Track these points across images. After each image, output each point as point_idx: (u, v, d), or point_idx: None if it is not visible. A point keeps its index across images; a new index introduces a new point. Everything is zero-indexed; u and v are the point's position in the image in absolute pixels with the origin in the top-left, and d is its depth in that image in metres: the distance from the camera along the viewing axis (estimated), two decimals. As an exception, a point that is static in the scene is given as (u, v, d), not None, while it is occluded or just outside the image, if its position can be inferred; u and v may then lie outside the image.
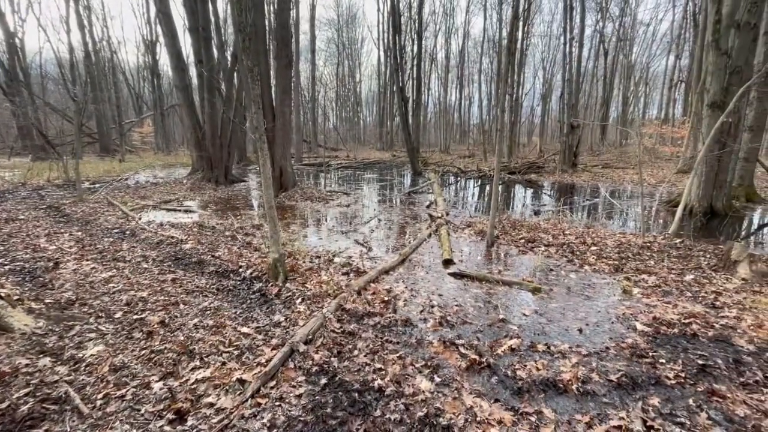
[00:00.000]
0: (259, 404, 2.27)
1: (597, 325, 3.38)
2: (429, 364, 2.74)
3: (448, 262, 5.00)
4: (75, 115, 13.30)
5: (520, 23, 20.42)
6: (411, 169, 17.13)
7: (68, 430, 2.06)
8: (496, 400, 2.36)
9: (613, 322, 3.43)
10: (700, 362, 2.74)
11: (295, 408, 2.25)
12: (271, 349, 2.84)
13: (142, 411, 2.21)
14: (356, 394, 2.38)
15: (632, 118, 29.80)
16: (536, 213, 8.80)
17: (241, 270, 4.60)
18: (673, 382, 2.53)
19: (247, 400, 2.28)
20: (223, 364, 2.67)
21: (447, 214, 7.86)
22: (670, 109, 28.69)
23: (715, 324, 3.30)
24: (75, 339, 2.96)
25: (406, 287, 4.21)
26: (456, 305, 3.77)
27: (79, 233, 6.31)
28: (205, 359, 2.72)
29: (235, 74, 12.75)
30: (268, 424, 2.11)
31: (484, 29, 29.89)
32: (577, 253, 5.39)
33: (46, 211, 8.08)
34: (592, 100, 33.42)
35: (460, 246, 5.89)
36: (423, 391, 2.41)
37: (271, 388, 2.42)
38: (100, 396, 2.33)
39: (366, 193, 11.96)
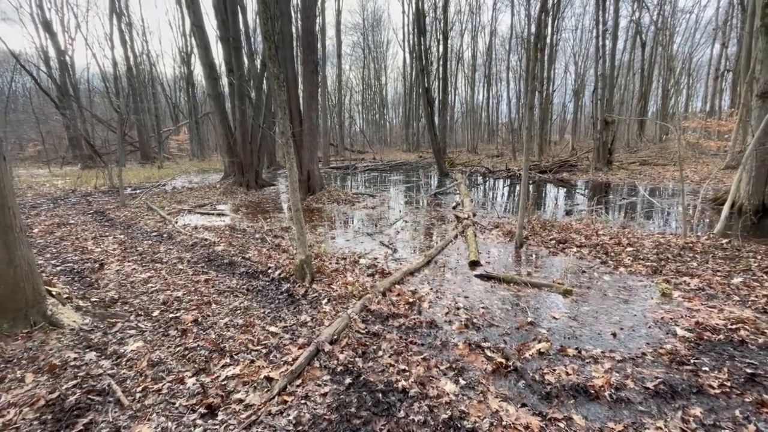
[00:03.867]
0: (286, 402, 2.32)
1: (632, 330, 3.22)
2: (454, 366, 2.70)
3: (474, 264, 4.92)
4: (118, 126, 14.16)
5: (549, 18, 19.84)
6: (437, 170, 17.00)
7: (110, 420, 2.19)
8: (523, 405, 2.30)
9: (650, 327, 3.26)
10: (749, 371, 2.55)
11: (320, 406, 2.29)
12: (298, 348, 2.90)
13: (177, 405, 2.31)
14: (380, 395, 2.39)
15: (673, 112, 28.17)
16: (568, 213, 8.50)
17: (269, 271, 4.73)
18: (717, 391, 2.37)
19: (274, 398, 2.34)
20: (252, 362, 2.75)
21: (474, 215, 7.75)
22: (715, 101, 26.91)
23: (766, 330, 3.06)
24: (117, 335, 3.15)
25: (431, 289, 4.18)
26: (482, 307, 3.70)
27: (122, 236, 6.71)
28: (235, 357, 2.81)
29: (264, 81, 13.15)
30: (294, 422, 2.16)
31: (512, 26, 29.34)
32: (612, 254, 5.16)
33: (92, 216, 8.64)
34: (628, 94, 31.90)
35: (488, 247, 5.78)
36: (447, 394, 2.39)
37: (297, 386, 2.47)
38: (139, 389, 2.46)
39: (392, 194, 11.99)
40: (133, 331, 3.22)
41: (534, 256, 5.37)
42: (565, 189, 12.50)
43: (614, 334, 3.15)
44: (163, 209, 9.17)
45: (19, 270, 2.99)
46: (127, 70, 25.12)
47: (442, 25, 19.43)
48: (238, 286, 4.30)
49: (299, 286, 4.16)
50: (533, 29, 21.28)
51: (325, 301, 3.78)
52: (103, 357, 2.81)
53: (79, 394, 2.37)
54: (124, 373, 2.63)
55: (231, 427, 2.13)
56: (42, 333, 3.04)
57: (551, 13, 19.93)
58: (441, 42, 20.60)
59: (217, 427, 2.13)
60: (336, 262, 5.04)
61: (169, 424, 2.14)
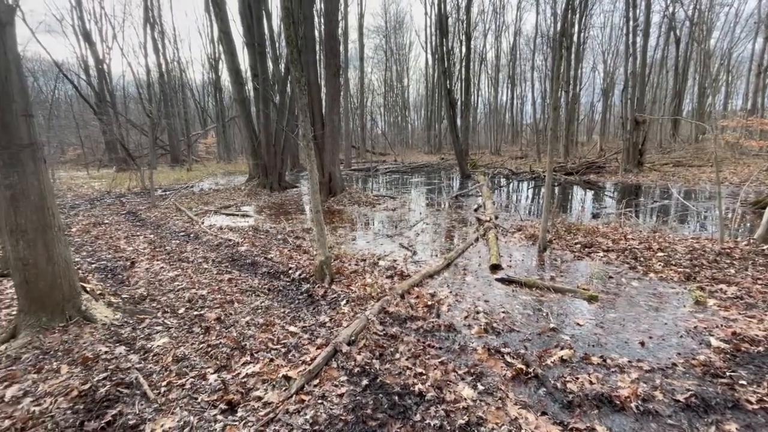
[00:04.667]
0: (303, 401, 2.35)
1: (662, 339, 3.08)
2: (472, 371, 2.66)
3: (495, 268, 4.83)
4: (150, 130, 14.79)
5: (577, 15, 19.30)
6: (459, 171, 16.83)
7: (137, 412, 2.28)
8: (543, 413, 2.24)
9: (681, 336, 3.10)
10: (792, 386, 2.38)
11: (337, 407, 2.30)
12: (316, 349, 2.93)
13: (199, 400, 2.38)
14: (396, 397, 2.38)
15: (710, 111, 26.78)
16: (595, 216, 8.22)
17: (290, 271, 4.81)
18: (755, 406, 2.23)
19: (291, 396, 2.38)
20: (271, 360, 2.80)
21: (496, 218, 7.61)
22: (757, 99, 25.38)
23: (812, 343, 2.86)
24: (145, 331, 3.28)
25: (450, 292, 4.13)
26: (503, 312, 3.63)
27: (152, 236, 6.99)
28: (255, 355, 2.87)
29: (288, 85, 13.41)
30: (310, 421, 2.18)
31: (537, 24, 28.60)
32: (641, 259, 4.95)
33: (125, 216, 9.05)
34: (661, 92, 30.58)
35: (510, 251, 5.67)
36: (465, 399, 2.35)
37: (315, 386, 2.50)
38: (164, 384, 2.55)
39: (413, 197, 11.95)
40: (159, 328, 3.34)
41: (558, 260, 5.23)
42: (592, 191, 12.10)
43: (642, 343, 3.01)
44: (190, 210, 9.50)
45: (57, 267, 3.17)
46: (159, 77, 26.21)
47: (464, 25, 19.26)
48: (260, 286, 4.39)
49: (319, 287, 4.21)
50: (559, 28, 20.78)
51: (344, 302, 3.81)
52: (131, 351, 2.93)
53: (109, 386, 2.48)
54: (150, 368, 2.73)
55: (250, 423, 2.17)
56: (76, 327, 3.20)
57: (578, 10, 19.39)
58: (464, 43, 20.41)
59: (237, 423, 2.18)
60: (355, 264, 5.07)
61: (192, 418, 2.21)
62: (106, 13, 25.60)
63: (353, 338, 3.02)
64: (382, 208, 9.70)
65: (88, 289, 3.69)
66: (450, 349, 2.97)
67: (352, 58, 29.58)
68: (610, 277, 4.47)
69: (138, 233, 7.24)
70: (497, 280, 4.48)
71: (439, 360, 2.79)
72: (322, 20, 17.17)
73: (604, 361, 2.76)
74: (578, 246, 5.61)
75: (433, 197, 11.84)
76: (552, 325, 3.32)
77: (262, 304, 3.86)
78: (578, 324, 3.37)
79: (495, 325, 3.35)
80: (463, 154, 16.81)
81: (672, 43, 25.18)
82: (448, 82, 16.40)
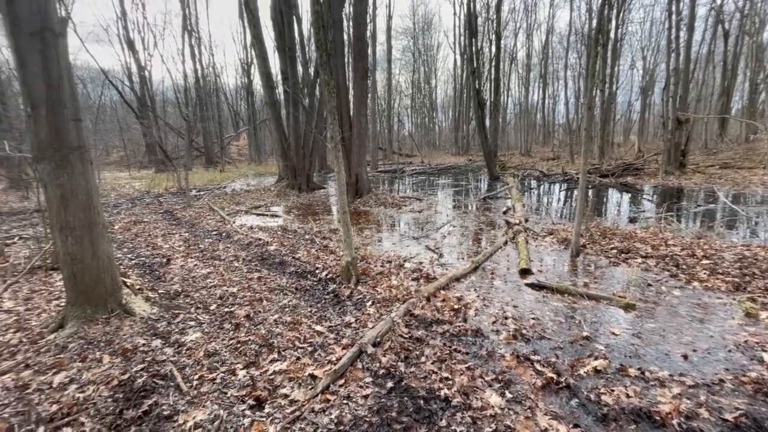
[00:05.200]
0: (328, 400, 2.37)
1: (708, 353, 2.88)
2: (500, 378, 2.59)
3: (525, 272, 4.70)
4: (187, 133, 15.45)
5: (614, 11, 18.53)
6: (488, 173, 16.53)
7: (171, 403, 2.37)
8: (576, 426, 2.14)
9: (730, 351, 2.89)
10: None
11: (362, 408, 2.30)
12: (342, 349, 2.95)
13: (228, 395, 2.45)
14: (422, 401, 2.35)
15: (763, 108, 24.92)
16: (632, 220, 7.84)
17: (317, 271, 4.87)
18: (816, 431, 2.04)
19: (317, 395, 2.40)
20: (298, 359, 2.84)
21: (526, 221, 7.41)
22: (817, 95, 23.39)
23: None
24: (179, 325, 3.41)
25: (477, 296, 4.05)
26: (533, 318, 3.52)
27: (187, 234, 7.28)
28: (282, 353, 2.92)
29: (316, 88, 13.65)
30: (335, 421, 2.19)
31: (571, 21, 27.77)
32: (684, 266, 4.66)
33: (162, 215, 9.49)
34: (706, 90, 28.76)
35: (540, 255, 5.50)
36: (492, 406, 2.29)
37: (340, 386, 2.51)
38: (196, 377, 2.64)
39: (439, 198, 11.84)
40: (192, 323, 3.47)
41: (592, 265, 5.01)
42: (629, 194, 11.55)
43: (685, 356, 2.83)
44: (222, 210, 9.83)
45: (101, 262, 3.36)
46: (195, 82, 27.36)
47: (494, 25, 18.91)
48: (288, 285, 4.47)
49: (345, 288, 4.23)
50: (595, 24, 20.00)
51: (370, 303, 3.81)
52: (166, 345, 3.06)
53: (146, 377, 2.60)
54: (183, 361, 2.84)
55: (276, 420, 2.21)
56: (117, 320, 3.38)
57: (616, 5, 18.59)
58: (493, 42, 20.05)
59: (264, 419, 2.22)
60: (381, 265, 5.07)
61: (222, 412, 2.27)
62: (148, 23, 27.02)
63: (378, 340, 3.01)
64: (408, 210, 9.67)
65: (128, 284, 3.89)
66: (477, 355, 2.91)
67: (380, 61, 29.75)
68: (649, 285, 4.24)
69: (174, 231, 7.57)
70: (527, 285, 4.35)
71: (466, 365, 2.74)
72: (351, 23, 17.37)
73: (643, 373, 2.61)
74: (614, 251, 5.36)
75: (461, 199, 11.68)
76: (585, 334, 3.18)
77: (290, 302, 3.93)
78: (614, 333, 3.22)
79: (524, 331, 3.25)
80: (491, 155, 16.50)
81: (719, 37, 23.65)
82: (476, 82, 16.15)
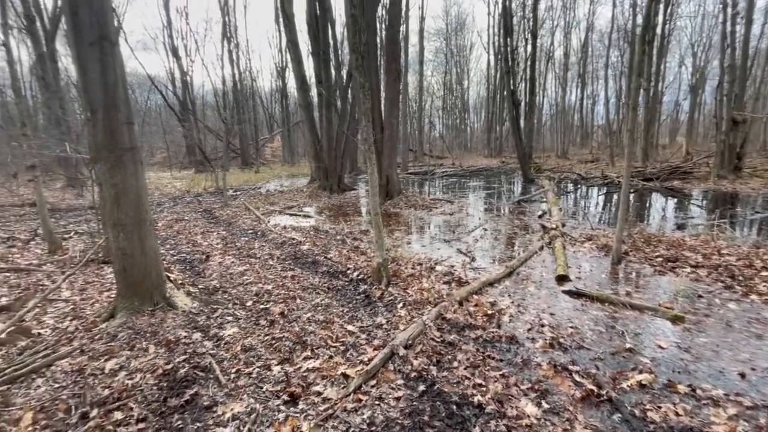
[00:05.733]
0: (360, 400, 2.38)
1: (769, 372, 2.65)
2: (536, 387, 2.51)
3: (562, 279, 4.52)
4: (224, 135, 16.09)
5: (661, 5, 17.53)
6: (522, 176, 16.09)
7: (210, 394, 2.47)
8: (619, 442, 2.03)
9: (795, 371, 2.65)
10: None
11: (393, 410, 2.30)
12: (373, 349, 2.96)
13: (264, 389, 2.52)
14: (454, 407, 2.31)
15: (831, 107, 22.69)
16: (680, 227, 7.37)
17: (348, 272, 4.92)
18: None
19: (349, 395, 2.42)
20: (330, 357, 2.88)
21: (563, 225, 7.14)
22: None
23: None
24: (218, 320, 3.55)
25: (512, 302, 3.95)
26: (571, 327, 3.38)
27: (224, 233, 7.58)
28: (315, 351, 2.97)
29: (348, 91, 13.83)
30: (367, 421, 2.20)
31: (613, 18, 26.40)
32: (740, 278, 4.32)
33: (201, 214, 9.93)
34: (765, 88, 26.63)
35: (578, 261, 5.28)
36: (528, 416, 2.22)
37: (372, 386, 2.52)
38: (233, 371, 2.74)
39: (471, 201, 11.65)
40: (230, 318, 3.60)
41: (635, 274, 4.76)
42: (675, 199, 10.87)
43: (742, 375, 2.62)
44: (257, 209, 10.16)
45: (148, 258, 3.56)
46: (233, 86, 28.49)
47: (531, 24, 18.42)
48: (320, 284, 4.55)
49: (376, 289, 4.25)
50: (640, 20, 19.02)
51: (401, 305, 3.80)
52: (206, 338, 3.19)
53: (188, 368, 2.72)
54: (221, 355, 2.95)
55: (310, 417, 2.25)
56: (162, 312, 3.57)
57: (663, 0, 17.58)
58: (529, 41, 19.53)
59: (298, 415, 2.26)
60: (412, 267, 5.05)
61: (258, 406, 2.34)
62: (191, 28, 28.47)
63: (410, 342, 3.00)
64: (439, 212, 9.58)
65: (171, 279, 4.10)
66: (512, 362, 2.83)
67: (412, 62, 29.70)
68: (700, 297, 3.97)
69: (212, 230, 7.90)
70: (564, 292, 4.19)
71: (500, 372, 2.67)
72: (383, 26, 17.49)
73: (694, 390, 2.44)
74: (659, 259, 5.06)
75: (493, 202, 11.43)
76: (628, 345, 3.02)
77: (322, 302, 3.99)
78: (660, 346, 3.03)
79: (562, 340, 3.13)
80: (526, 157, 16.06)
81: (781, 31, 21.78)
82: (511, 82, 15.77)
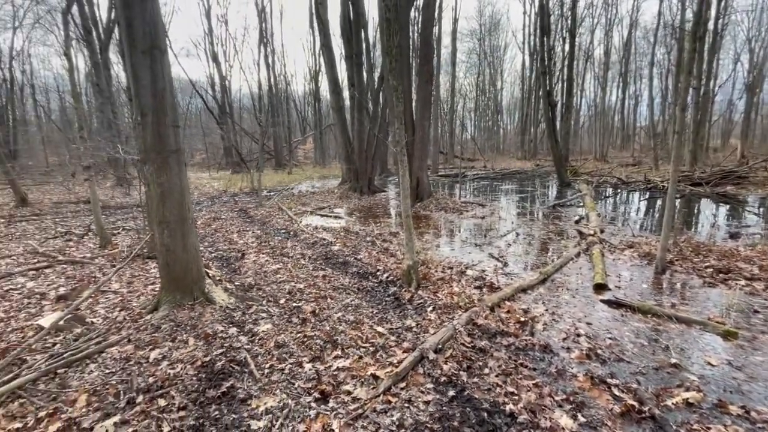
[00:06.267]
0: (390, 402, 2.39)
1: (837, 398, 2.42)
2: (572, 399, 2.42)
3: (600, 287, 4.34)
4: (260, 137, 16.64)
5: (713, -1, 16.41)
6: (557, 179, 15.55)
7: (245, 388, 2.56)
8: (663, 463, 1.92)
9: None
10: None
11: (423, 414, 2.29)
12: (402, 352, 2.96)
13: (296, 385, 2.58)
14: (485, 414, 2.27)
15: None
16: (733, 236, 6.85)
17: (378, 273, 4.95)
18: None
19: (379, 396, 2.43)
20: (360, 357, 2.91)
21: (601, 232, 6.83)
22: None
23: None
24: (252, 316, 3.68)
25: (546, 310, 3.83)
26: (609, 338, 3.23)
27: (258, 232, 7.83)
28: (346, 350, 3.01)
29: (380, 93, 13.92)
30: (396, 423, 2.20)
31: (659, 13, 24.97)
32: (803, 293, 3.97)
33: (237, 213, 10.31)
34: (834, 85, 24.26)
35: (618, 270, 5.04)
36: (563, 428, 2.15)
37: (401, 389, 2.52)
38: (267, 366, 2.82)
39: (503, 204, 11.39)
40: (264, 314, 3.72)
41: (681, 285, 4.48)
42: (728, 206, 10.12)
43: (805, 399, 2.41)
44: (290, 210, 10.42)
45: (189, 254, 3.74)
46: (268, 90, 29.43)
47: (569, 22, 17.81)
48: (350, 285, 4.60)
49: (405, 291, 4.25)
50: (689, 15, 17.93)
51: (431, 308, 3.78)
52: (241, 333, 3.31)
53: (224, 361, 2.84)
54: (256, 350, 3.05)
55: (340, 415, 2.28)
56: (201, 307, 3.74)
57: (716, -8, 16.47)
58: (567, 40, 18.89)
59: (328, 413, 2.30)
60: (442, 271, 5.00)
61: (290, 401, 2.40)
62: (230, 33, 29.72)
63: (440, 346, 2.97)
64: (469, 215, 9.44)
65: (210, 275, 4.28)
66: (546, 372, 2.74)
67: (444, 64, 29.50)
68: (756, 312, 3.68)
69: (247, 229, 8.18)
70: (603, 301, 4.01)
71: (533, 381, 2.60)
72: (416, 28, 17.49)
73: (747, 412, 2.27)
74: (709, 270, 4.73)
75: (527, 206, 11.13)
76: (673, 361, 2.84)
77: (352, 302, 4.03)
78: (709, 363, 2.84)
79: (600, 351, 3.00)
80: (562, 159, 15.51)
81: None
82: (548, 82, 15.31)
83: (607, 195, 12.91)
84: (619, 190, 13.65)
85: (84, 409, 2.35)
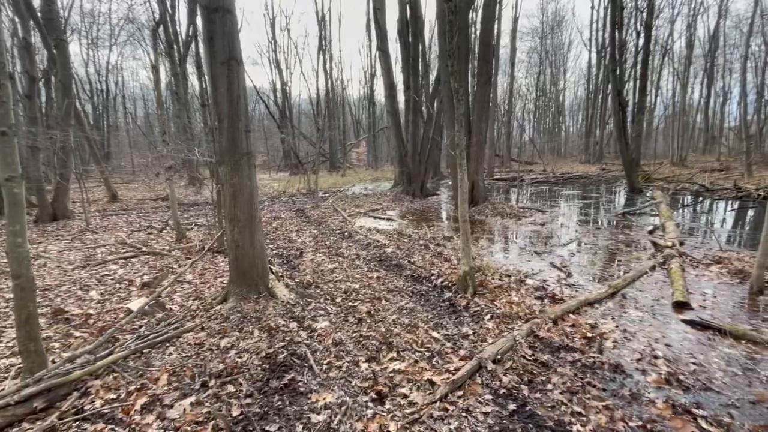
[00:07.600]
0: (447, 409, 2.34)
1: None
2: (649, 427, 2.21)
3: (681, 305, 3.92)
4: (317, 141, 17.29)
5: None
6: (627, 185, 14.36)
7: (305, 382, 2.66)
8: None
9: None
10: None
11: (481, 425, 2.22)
12: (459, 359, 2.90)
13: (353, 384, 2.63)
14: (549, 433, 2.15)
15: None
16: None
17: (432, 277, 4.90)
18: None
19: (435, 402, 2.40)
20: (416, 362, 2.89)
21: (681, 244, 6.17)
22: None
23: None
24: (311, 312, 3.81)
25: (616, 326, 3.53)
26: (693, 363, 2.90)
27: (315, 231, 8.13)
28: (401, 353, 3.01)
29: (436, 96, 13.82)
30: (454, 431, 2.16)
31: (756, 0, 22.13)
32: None
33: (295, 213, 10.79)
34: None
35: (702, 287, 4.52)
36: (640, 459, 1.96)
37: (458, 397, 2.46)
38: (325, 362, 2.91)
39: (564, 211, 10.75)
40: (322, 312, 3.84)
41: (783, 308, 3.90)
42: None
43: None
44: (344, 211, 10.69)
45: (256, 250, 3.98)
46: (325, 95, 30.52)
47: (644, 14, 16.35)
48: (404, 288, 4.60)
49: (461, 297, 4.16)
50: (794, -1, 15.67)
51: (488, 317, 3.66)
52: (301, 328, 3.45)
53: (286, 354, 2.97)
54: (315, 346, 3.16)
55: (396, 418, 2.28)
56: (264, 300, 3.95)
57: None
58: (642, 34, 17.35)
59: (385, 414, 2.32)
60: (499, 279, 4.83)
61: (347, 399, 2.45)
62: (292, 39, 31.29)
63: (499, 357, 2.87)
64: (528, 222, 9.02)
65: (273, 271, 4.52)
66: (617, 394, 2.53)
67: (503, 64, 28.59)
68: None
69: (305, 228, 8.53)
70: (684, 321, 3.62)
71: (603, 403, 2.41)
72: (474, 29, 17.13)
73: None
74: (821, 293, 4.07)
75: (591, 213, 10.39)
76: (775, 395, 2.48)
77: (407, 305, 4.03)
78: (824, 402, 2.43)
79: (682, 377, 2.70)
80: (632, 164, 14.28)
81: None
82: (618, 81, 14.20)
83: (686, 203, 11.66)
84: (701, 199, 12.26)
85: (165, 387, 2.59)
